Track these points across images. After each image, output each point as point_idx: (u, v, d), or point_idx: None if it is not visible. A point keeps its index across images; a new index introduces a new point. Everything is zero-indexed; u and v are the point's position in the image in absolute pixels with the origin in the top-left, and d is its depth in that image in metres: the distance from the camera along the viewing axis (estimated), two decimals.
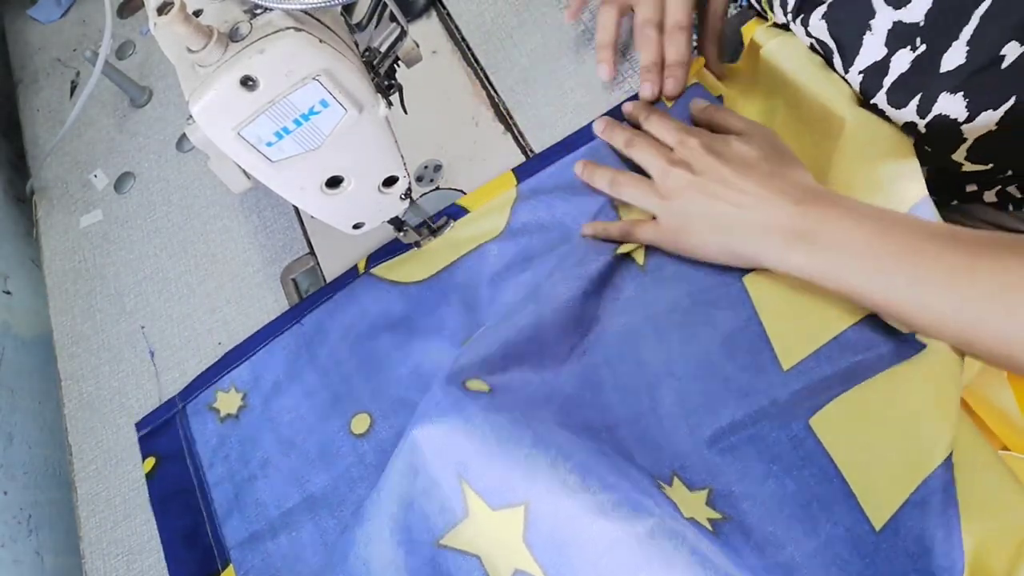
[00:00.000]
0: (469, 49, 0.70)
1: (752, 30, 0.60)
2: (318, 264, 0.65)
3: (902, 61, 0.48)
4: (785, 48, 0.57)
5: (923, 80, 0.48)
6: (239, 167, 0.46)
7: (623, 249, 0.55)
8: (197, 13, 0.41)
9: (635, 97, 0.61)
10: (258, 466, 0.57)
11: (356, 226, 0.54)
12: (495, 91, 0.67)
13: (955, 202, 0.62)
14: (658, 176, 0.53)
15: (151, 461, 0.60)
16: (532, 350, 0.52)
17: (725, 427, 0.49)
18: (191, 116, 0.41)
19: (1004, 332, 0.41)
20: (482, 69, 0.69)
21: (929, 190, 0.61)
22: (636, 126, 0.59)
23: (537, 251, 0.58)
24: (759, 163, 0.51)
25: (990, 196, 0.59)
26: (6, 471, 0.63)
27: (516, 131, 0.65)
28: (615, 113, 0.62)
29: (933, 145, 0.52)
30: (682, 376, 0.51)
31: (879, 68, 0.49)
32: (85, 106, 0.70)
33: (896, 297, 0.44)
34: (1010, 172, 0.56)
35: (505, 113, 0.66)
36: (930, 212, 0.50)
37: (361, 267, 0.62)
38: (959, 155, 0.51)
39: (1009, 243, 0.42)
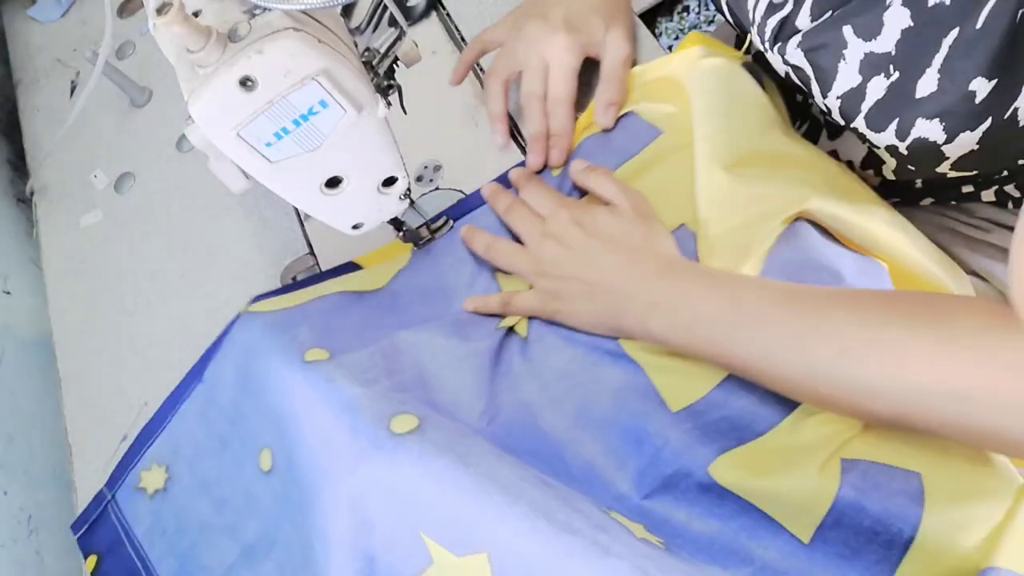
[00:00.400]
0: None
1: (695, 42, 0.60)
2: (318, 264, 0.65)
3: (877, 87, 0.49)
4: (707, 78, 0.58)
5: (899, 106, 0.48)
6: (238, 167, 0.46)
7: (505, 323, 0.56)
8: (196, 14, 0.41)
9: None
10: (197, 531, 0.57)
11: (355, 226, 0.54)
12: None
13: (954, 202, 0.62)
14: (531, 246, 0.56)
15: (92, 560, 0.59)
16: None
17: (635, 478, 0.49)
18: (190, 116, 0.41)
19: (850, 387, 0.44)
20: (482, 69, 0.68)
21: (925, 193, 0.61)
22: None
23: (411, 308, 0.59)
24: (625, 236, 0.53)
25: (988, 195, 0.59)
26: (6, 471, 0.63)
27: (516, 131, 0.65)
28: (505, 179, 0.62)
29: (917, 164, 0.52)
30: (583, 439, 0.51)
31: (856, 94, 0.50)
32: (85, 106, 0.70)
33: (750, 362, 0.47)
34: (1005, 173, 0.56)
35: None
36: (806, 231, 0.52)
37: (243, 310, 0.60)
38: (943, 168, 0.51)
39: (851, 298, 0.46)
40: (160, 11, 0.37)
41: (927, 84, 0.46)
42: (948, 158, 0.50)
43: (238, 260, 0.68)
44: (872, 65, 0.48)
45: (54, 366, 0.69)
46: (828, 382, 0.44)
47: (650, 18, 0.94)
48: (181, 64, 0.41)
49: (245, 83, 0.39)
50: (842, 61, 0.49)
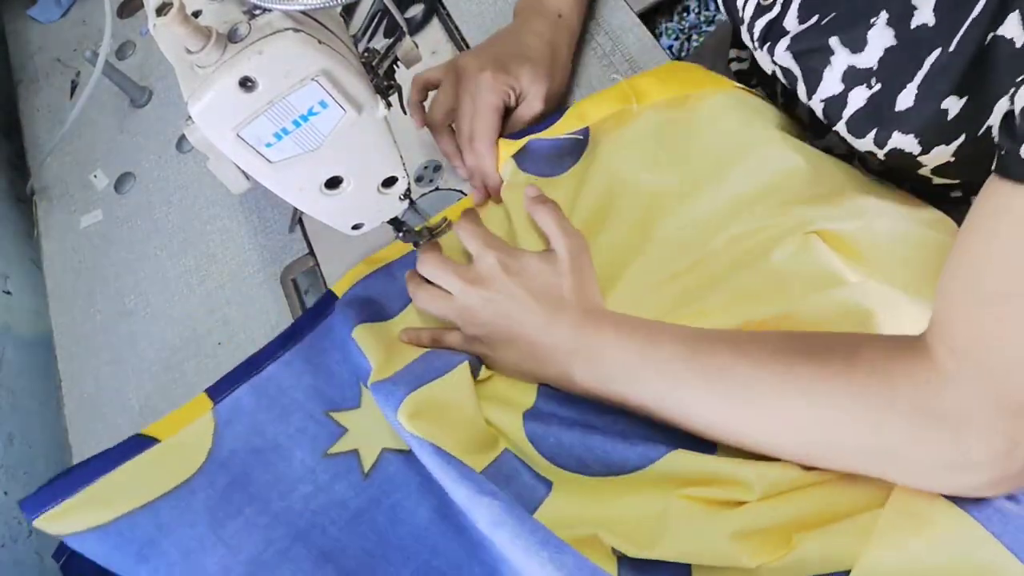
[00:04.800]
0: (469, 50, 0.70)
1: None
2: (318, 264, 0.65)
3: (858, 97, 0.49)
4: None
5: (878, 117, 0.49)
6: (238, 167, 0.46)
7: (364, 463, 0.54)
8: (196, 14, 0.41)
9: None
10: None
11: (355, 227, 0.54)
12: None
13: (949, 206, 0.62)
14: (457, 294, 0.55)
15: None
16: None
17: None
18: (190, 116, 0.41)
19: (760, 429, 0.46)
20: None
21: (917, 195, 0.61)
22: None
23: (255, 478, 0.54)
24: (550, 287, 0.53)
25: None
26: (6, 471, 0.63)
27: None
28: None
29: (897, 169, 0.53)
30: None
31: (838, 101, 0.50)
32: (85, 106, 0.70)
33: (663, 404, 0.48)
34: None
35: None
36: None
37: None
38: (924, 173, 0.52)
39: (773, 342, 0.46)
40: (160, 11, 0.37)
41: (906, 99, 0.47)
42: (926, 166, 0.50)
43: (238, 260, 0.68)
44: (855, 76, 0.49)
45: (54, 366, 0.69)
46: (738, 424, 0.46)
47: (650, 18, 0.94)
48: (181, 64, 0.41)
49: (245, 83, 0.39)
50: (828, 68, 0.50)
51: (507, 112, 0.61)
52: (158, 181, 0.74)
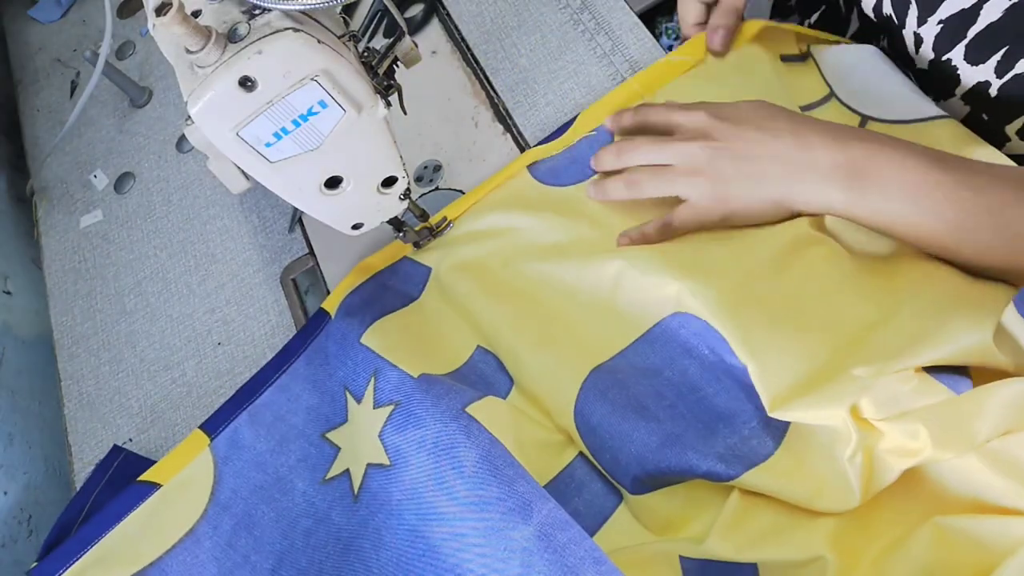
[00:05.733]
0: (469, 49, 0.70)
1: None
2: (318, 264, 0.65)
3: (994, 9, 0.46)
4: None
5: (1012, 31, 0.45)
6: (238, 167, 0.46)
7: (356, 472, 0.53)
8: (196, 14, 0.41)
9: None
10: None
11: (355, 226, 0.54)
12: (495, 91, 0.67)
13: None
14: (677, 158, 0.50)
15: None
16: None
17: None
18: (190, 117, 0.41)
19: None
20: (482, 69, 0.69)
21: None
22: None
23: (259, 517, 0.54)
24: (776, 114, 0.49)
25: None
26: (6, 471, 0.62)
27: (515, 131, 0.65)
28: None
29: (994, 113, 0.50)
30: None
31: (964, 17, 0.47)
32: (85, 106, 0.70)
33: (944, 230, 0.44)
34: None
35: (504, 113, 0.66)
36: None
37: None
38: (1012, 128, 0.49)
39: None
40: (159, 11, 0.37)
41: None
42: None
43: (238, 260, 0.68)
44: None
45: (54, 366, 0.69)
46: None
47: (650, 18, 0.94)
48: (180, 64, 0.41)
49: (244, 83, 0.39)
50: None
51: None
52: (158, 181, 0.74)
